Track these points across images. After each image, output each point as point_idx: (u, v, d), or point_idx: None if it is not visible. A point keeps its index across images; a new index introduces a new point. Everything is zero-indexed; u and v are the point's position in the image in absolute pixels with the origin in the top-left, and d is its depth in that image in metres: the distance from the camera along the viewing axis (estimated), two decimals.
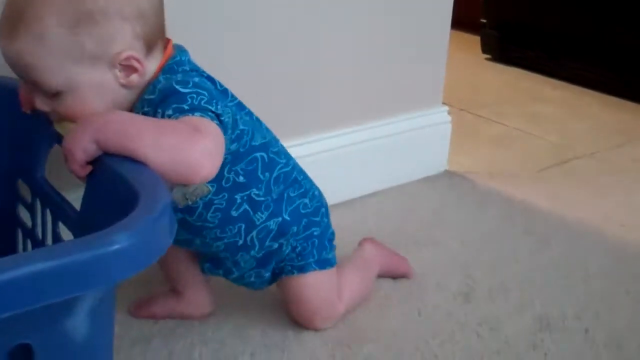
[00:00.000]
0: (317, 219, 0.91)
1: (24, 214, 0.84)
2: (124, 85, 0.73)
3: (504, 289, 1.04)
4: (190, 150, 0.66)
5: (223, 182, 0.81)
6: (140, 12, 0.71)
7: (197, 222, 0.82)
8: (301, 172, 0.91)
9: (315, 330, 0.93)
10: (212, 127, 0.70)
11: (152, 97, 0.74)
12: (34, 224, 0.81)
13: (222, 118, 0.73)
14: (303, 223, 0.89)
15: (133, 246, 0.52)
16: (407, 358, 0.89)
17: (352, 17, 1.21)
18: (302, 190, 0.89)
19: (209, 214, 0.82)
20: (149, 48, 0.74)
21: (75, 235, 0.70)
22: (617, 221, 1.27)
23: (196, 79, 0.74)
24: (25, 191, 0.83)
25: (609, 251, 1.17)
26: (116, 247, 0.51)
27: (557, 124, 1.82)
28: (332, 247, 0.93)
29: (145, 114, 0.73)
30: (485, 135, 1.72)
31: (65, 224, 0.73)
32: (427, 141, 1.39)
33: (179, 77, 0.74)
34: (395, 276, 1.06)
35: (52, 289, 0.49)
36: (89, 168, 0.65)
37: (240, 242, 0.85)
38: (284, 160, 0.87)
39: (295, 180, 0.89)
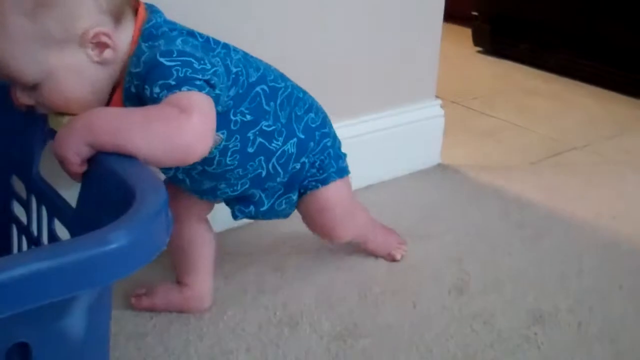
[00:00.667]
0: (326, 130, 0.94)
1: (19, 210, 0.84)
2: (99, 63, 0.72)
3: (497, 283, 1.04)
4: (180, 135, 0.67)
5: (232, 126, 0.81)
6: None
7: (218, 170, 0.83)
8: (299, 89, 0.92)
9: (337, 240, 1.00)
10: (199, 101, 0.69)
11: (138, 70, 0.72)
12: (29, 221, 0.81)
13: (213, 80, 0.73)
14: (317, 137, 0.91)
15: (130, 245, 0.52)
16: (402, 352, 0.89)
17: (343, 11, 1.21)
18: (307, 106, 0.91)
19: (227, 159, 0.83)
20: (117, 19, 0.72)
21: (72, 232, 0.70)
22: (610, 214, 1.28)
23: (178, 43, 0.73)
24: (20, 187, 0.82)
25: (602, 244, 1.17)
26: (113, 246, 0.51)
27: (549, 116, 1.82)
28: (345, 155, 0.97)
29: (136, 87, 0.73)
30: (477, 128, 1.72)
31: (61, 220, 0.73)
32: (420, 134, 1.40)
33: (162, 45, 0.72)
34: (389, 247, 1.08)
35: (49, 289, 0.49)
36: (85, 167, 0.65)
37: (264, 173, 0.87)
38: (282, 84, 0.88)
39: (298, 99, 0.90)
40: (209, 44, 0.79)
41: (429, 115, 1.40)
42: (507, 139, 1.66)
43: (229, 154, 0.83)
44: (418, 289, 1.02)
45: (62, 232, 0.73)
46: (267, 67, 0.87)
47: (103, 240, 0.51)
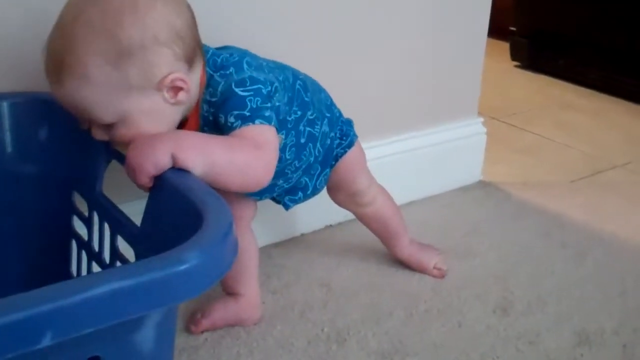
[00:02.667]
0: (333, 102, 1.00)
1: (79, 226, 0.86)
2: (173, 104, 0.75)
3: (541, 303, 1.05)
4: (256, 169, 0.73)
5: (288, 125, 0.87)
6: (177, 33, 0.73)
7: (279, 167, 0.84)
8: (306, 75, 0.96)
9: (360, 193, 1.04)
10: (270, 136, 0.76)
11: (215, 99, 0.78)
12: (90, 237, 0.83)
13: (275, 100, 0.78)
14: (333, 111, 0.98)
15: (202, 265, 0.54)
16: None
17: (385, 29, 1.23)
18: (318, 87, 0.97)
19: (287, 154, 0.88)
20: (191, 63, 0.76)
21: (136, 250, 0.72)
22: None
23: (246, 68, 0.78)
24: (81, 204, 0.85)
25: None
26: (186, 265, 0.53)
27: (588, 133, 1.82)
28: (349, 118, 1.03)
29: (213, 115, 0.78)
30: (517, 144, 1.72)
31: (124, 237, 0.75)
32: (462, 152, 1.41)
33: (234, 73, 0.77)
34: (431, 259, 1.11)
35: (127, 307, 0.51)
36: (153, 181, 0.68)
37: (312, 158, 0.93)
38: (302, 75, 0.94)
39: (313, 83, 0.96)
40: (256, 59, 0.83)
41: (471, 132, 1.41)
42: (547, 155, 1.66)
43: (287, 149, 0.88)
44: (463, 308, 1.03)
45: (125, 248, 0.76)
46: (286, 65, 0.92)
47: (177, 260, 0.53)
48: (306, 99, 0.90)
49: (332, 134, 0.97)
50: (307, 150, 0.91)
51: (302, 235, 1.22)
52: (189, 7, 0.76)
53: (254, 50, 0.87)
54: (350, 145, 0.99)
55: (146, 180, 0.68)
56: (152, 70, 0.72)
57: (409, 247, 1.11)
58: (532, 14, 2.32)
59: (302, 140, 0.90)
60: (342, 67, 1.18)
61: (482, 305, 1.04)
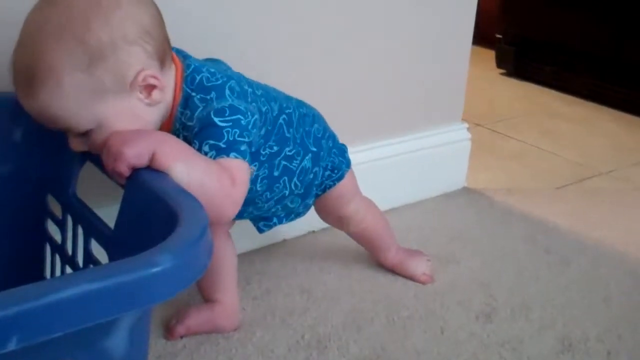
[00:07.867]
0: (327, 133, 0.98)
1: (53, 229, 0.84)
2: (149, 105, 0.74)
3: (525, 309, 1.04)
4: (224, 202, 0.71)
5: (261, 158, 0.85)
6: (145, 30, 0.71)
7: (248, 196, 0.82)
8: (300, 103, 0.95)
9: (347, 217, 1.04)
10: (243, 172, 0.74)
11: (190, 124, 0.75)
12: (64, 240, 0.81)
13: (252, 137, 0.76)
14: (323, 145, 0.96)
15: (176, 267, 0.53)
16: None
17: (370, 34, 1.22)
18: (311, 119, 0.95)
19: (257, 186, 0.87)
20: (162, 62, 0.74)
21: (109, 253, 0.70)
22: (637, 240, 1.27)
23: (227, 95, 0.76)
24: (55, 207, 0.83)
25: (630, 271, 1.16)
26: (159, 268, 0.52)
27: (574, 140, 1.82)
28: (345, 146, 1.01)
29: (185, 138, 0.76)
30: (502, 151, 1.72)
31: (98, 240, 0.73)
32: (447, 158, 1.40)
33: (215, 100, 0.75)
34: (421, 267, 1.10)
35: (98, 310, 0.49)
36: (129, 172, 0.66)
37: (287, 191, 0.91)
38: (291, 107, 0.91)
39: (304, 115, 0.93)
40: (243, 84, 0.81)
41: (455, 138, 1.40)
42: (532, 162, 1.66)
43: (259, 180, 0.86)
44: (446, 314, 1.02)
45: (99, 251, 0.74)
46: (277, 93, 0.90)
47: (150, 263, 0.52)
48: (287, 134, 0.88)
49: (316, 169, 0.94)
50: (281, 183, 0.89)
51: (284, 240, 1.20)
52: (153, 3, 0.74)
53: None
54: (340, 178, 0.98)
55: (124, 169, 0.66)
56: (125, 70, 0.70)
57: (396, 256, 1.10)
58: (518, 21, 2.33)
59: (276, 174, 0.88)
60: (326, 73, 1.17)
61: (465, 311, 1.03)
